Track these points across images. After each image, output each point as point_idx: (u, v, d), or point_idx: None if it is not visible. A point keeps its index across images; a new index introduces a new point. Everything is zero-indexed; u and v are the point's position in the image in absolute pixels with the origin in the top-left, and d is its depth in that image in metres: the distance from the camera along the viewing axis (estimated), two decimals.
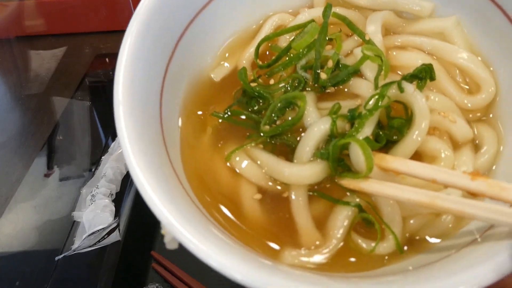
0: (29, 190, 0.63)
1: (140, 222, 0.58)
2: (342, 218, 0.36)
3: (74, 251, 0.50)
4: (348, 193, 0.37)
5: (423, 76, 0.39)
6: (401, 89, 0.37)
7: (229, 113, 0.42)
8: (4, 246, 0.55)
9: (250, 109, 0.41)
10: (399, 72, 0.43)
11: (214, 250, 0.27)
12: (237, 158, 0.39)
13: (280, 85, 0.42)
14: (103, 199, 0.55)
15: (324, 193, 0.38)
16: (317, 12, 0.45)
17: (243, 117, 0.41)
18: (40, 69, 0.93)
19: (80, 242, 0.51)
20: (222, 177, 0.39)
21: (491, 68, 0.42)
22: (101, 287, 0.48)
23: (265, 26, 0.47)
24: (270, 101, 0.40)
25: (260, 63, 0.43)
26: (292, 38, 0.44)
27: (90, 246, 0.51)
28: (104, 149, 0.66)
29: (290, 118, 0.39)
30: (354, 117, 0.36)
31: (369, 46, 0.40)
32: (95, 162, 0.64)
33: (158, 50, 0.38)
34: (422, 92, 0.38)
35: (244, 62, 0.46)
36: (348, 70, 0.41)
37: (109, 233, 0.51)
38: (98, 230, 0.51)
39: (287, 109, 0.40)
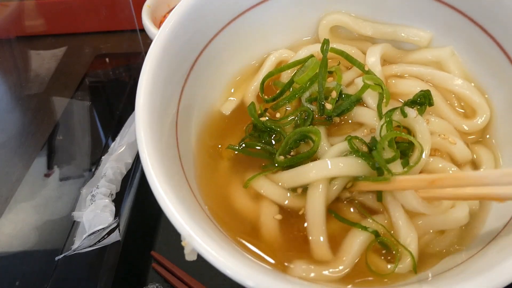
0: (29, 190, 0.63)
1: (140, 222, 0.58)
2: (357, 243, 0.37)
3: (74, 251, 0.50)
4: (367, 217, 0.39)
5: (422, 101, 0.41)
6: (404, 114, 0.39)
7: (243, 145, 0.44)
8: (4, 246, 0.55)
9: (262, 141, 0.44)
10: (400, 100, 0.46)
11: (231, 261, 0.28)
12: (258, 182, 0.41)
13: (289, 119, 0.44)
14: (103, 199, 0.55)
15: (341, 216, 0.39)
16: (316, 48, 0.48)
17: (258, 147, 0.44)
18: (40, 69, 0.93)
19: (80, 242, 0.51)
20: (241, 201, 0.42)
21: (486, 95, 0.45)
22: (101, 287, 0.48)
23: (267, 62, 0.50)
24: (283, 134, 0.43)
25: (266, 97, 0.46)
26: (294, 72, 0.46)
27: (90, 246, 0.51)
28: (104, 149, 0.66)
29: (305, 151, 0.41)
30: (374, 143, 0.38)
31: (369, 75, 0.43)
32: (95, 162, 0.64)
33: (173, 79, 0.41)
34: (422, 116, 0.40)
35: (249, 95, 0.49)
36: (351, 99, 0.43)
37: (109, 233, 0.51)
38: (98, 230, 0.51)
39: (301, 142, 0.42)
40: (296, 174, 0.39)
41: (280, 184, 0.41)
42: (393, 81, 0.46)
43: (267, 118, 0.45)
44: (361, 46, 0.50)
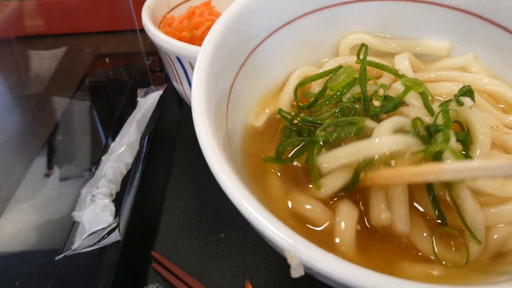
0: (29, 190, 0.63)
1: (140, 222, 0.58)
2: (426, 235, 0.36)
3: (74, 251, 0.50)
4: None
5: (468, 96, 0.40)
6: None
7: (280, 149, 0.41)
8: (4, 246, 0.55)
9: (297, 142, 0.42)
10: (441, 98, 0.45)
11: (354, 271, 0.25)
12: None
13: (329, 113, 0.42)
14: (103, 199, 0.55)
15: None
16: (342, 60, 0.48)
17: (297, 142, 0.42)
18: (40, 69, 0.93)
19: (80, 242, 0.51)
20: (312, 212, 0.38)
21: None
22: (101, 287, 0.48)
23: (293, 76, 0.49)
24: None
25: (301, 104, 0.45)
26: (327, 81, 0.45)
27: (90, 246, 0.51)
28: (104, 149, 0.66)
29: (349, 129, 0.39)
30: (436, 130, 0.37)
31: (408, 78, 0.42)
32: (95, 162, 0.64)
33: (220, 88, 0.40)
34: None
35: (282, 105, 0.47)
36: (395, 100, 0.42)
37: (109, 233, 0.51)
38: (98, 230, 0.51)
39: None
40: (356, 149, 0.36)
41: (325, 165, 0.37)
42: (428, 85, 0.46)
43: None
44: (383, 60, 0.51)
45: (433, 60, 0.50)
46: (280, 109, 0.44)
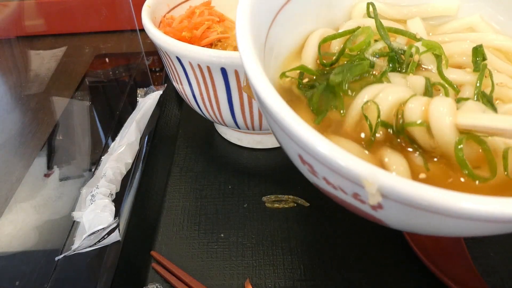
0: (29, 190, 0.63)
1: (140, 222, 0.58)
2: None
3: (74, 251, 0.50)
4: None
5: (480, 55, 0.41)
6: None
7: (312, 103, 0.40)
8: (4, 246, 0.55)
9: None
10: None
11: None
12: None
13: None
14: (103, 199, 0.55)
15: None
16: (360, 22, 0.48)
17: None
18: (40, 69, 0.93)
19: (80, 242, 0.51)
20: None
21: None
22: (101, 287, 0.48)
23: (313, 35, 0.48)
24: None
25: (325, 61, 0.44)
26: (345, 42, 0.44)
27: (90, 246, 0.51)
28: (104, 149, 0.66)
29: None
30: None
31: (427, 40, 0.42)
32: (95, 162, 0.64)
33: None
34: (480, 72, 0.40)
35: (305, 63, 0.46)
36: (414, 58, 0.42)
37: (109, 233, 0.51)
38: (98, 230, 0.51)
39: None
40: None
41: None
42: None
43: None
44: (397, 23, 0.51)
45: (440, 24, 0.51)
46: (282, 73, 0.42)
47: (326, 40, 0.45)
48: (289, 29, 0.47)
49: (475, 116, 0.32)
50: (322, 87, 0.41)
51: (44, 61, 0.95)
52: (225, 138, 0.76)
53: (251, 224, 0.60)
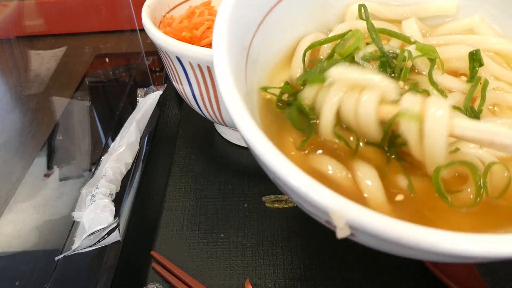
0: (29, 190, 0.63)
1: (140, 222, 0.58)
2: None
3: (74, 251, 0.50)
4: None
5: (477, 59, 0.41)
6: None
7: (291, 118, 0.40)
8: (4, 246, 0.55)
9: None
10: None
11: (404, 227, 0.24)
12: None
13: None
14: (103, 199, 0.55)
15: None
16: (352, 25, 0.46)
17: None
18: (40, 69, 0.93)
19: (80, 242, 0.51)
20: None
21: None
22: (101, 287, 0.48)
23: (302, 41, 0.47)
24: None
25: (308, 70, 0.43)
26: (334, 46, 0.43)
27: (90, 246, 0.51)
28: (104, 149, 0.66)
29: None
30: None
31: (421, 44, 0.41)
32: (95, 162, 0.64)
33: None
34: (475, 77, 0.40)
35: (294, 69, 0.45)
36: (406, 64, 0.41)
37: (109, 233, 0.51)
38: (98, 230, 0.51)
39: None
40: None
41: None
42: (437, 49, 0.45)
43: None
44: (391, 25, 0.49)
45: (439, 24, 0.49)
46: (262, 87, 0.41)
47: (313, 46, 0.44)
48: (277, 35, 0.46)
49: (472, 124, 0.31)
50: (297, 104, 0.39)
51: (44, 61, 0.95)
52: (225, 138, 0.76)
53: (251, 224, 0.60)
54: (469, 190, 0.34)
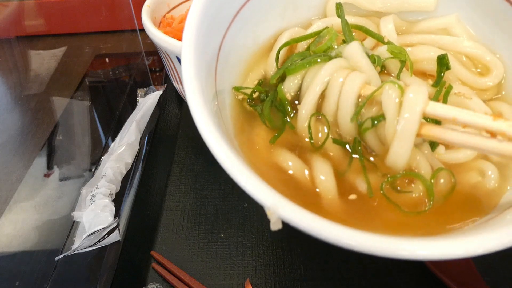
0: (29, 190, 0.63)
1: (140, 222, 0.58)
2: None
3: (74, 251, 0.50)
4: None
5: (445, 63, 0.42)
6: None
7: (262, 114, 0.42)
8: (4, 246, 0.55)
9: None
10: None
11: (328, 226, 0.29)
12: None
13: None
14: (103, 199, 0.55)
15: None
16: (329, 21, 0.47)
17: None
18: (40, 69, 0.93)
19: (80, 242, 0.51)
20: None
21: (497, 55, 0.47)
22: (101, 287, 0.48)
23: (281, 38, 0.48)
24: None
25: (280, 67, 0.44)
26: (309, 43, 0.45)
27: (90, 246, 0.51)
28: (104, 149, 0.66)
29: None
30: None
31: (392, 45, 0.43)
32: (95, 162, 0.64)
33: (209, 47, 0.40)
34: (442, 81, 0.42)
35: (270, 68, 0.47)
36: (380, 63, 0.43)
37: (109, 233, 0.51)
38: (98, 230, 0.51)
39: None
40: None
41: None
42: (409, 49, 0.47)
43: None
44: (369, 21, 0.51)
45: (417, 21, 0.51)
46: (235, 87, 0.44)
47: (288, 44, 0.45)
48: (250, 32, 0.47)
49: (442, 104, 0.35)
50: (270, 97, 0.42)
51: (44, 61, 0.95)
52: None
53: (251, 224, 0.60)
54: (415, 194, 0.37)
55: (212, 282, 0.53)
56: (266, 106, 0.42)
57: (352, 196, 0.37)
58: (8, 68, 0.95)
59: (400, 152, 0.35)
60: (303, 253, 0.56)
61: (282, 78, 0.43)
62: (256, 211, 0.62)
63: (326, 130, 0.40)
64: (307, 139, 0.40)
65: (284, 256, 0.56)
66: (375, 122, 0.36)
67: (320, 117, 0.40)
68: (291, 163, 0.38)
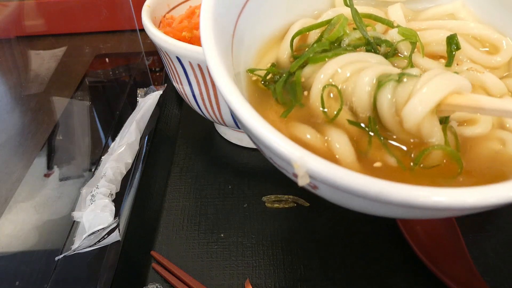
0: (29, 190, 0.63)
1: (140, 222, 0.58)
2: None
3: (74, 251, 0.50)
4: None
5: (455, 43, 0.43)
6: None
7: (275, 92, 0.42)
8: (4, 246, 0.55)
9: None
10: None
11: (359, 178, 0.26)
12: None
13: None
14: (103, 199, 0.55)
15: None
16: (339, 11, 0.48)
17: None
18: (40, 69, 0.93)
19: (80, 242, 0.51)
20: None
21: (507, 37, 0.47)
22: (101, 287, 0.48)
23: (292, 27, 0.49)
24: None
25: (296, 54, 0.45)
26: (321, 31, 0.45)
27: (90, 246, 0.51)
28: (104, 149, 0.66)
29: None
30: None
31: (403, 28, 0.44)
32: (95, 162, 0.64)
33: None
34: (453, 60, 0.42)
35: (282, 55, 0.47)
36: (393, 46, 0.43)
37: (109, 233, 0.51)
38: (98, 230, 0.51)
39: None
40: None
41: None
42: (418, 33, 0.47)
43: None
44: (378, 10, 0.52)
45: (423, 9, 0.52)
46: (249, 69, 0.44)
47: (301, 33, 0.45)
48: (262, 18, 0.47)
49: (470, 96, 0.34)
50: (284, 78, 0.43)
51: (44, 61, 0.95)
52: (225, 138, 0.76)
53: (251, 224, 0.60)
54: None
55: (212, 282, 0.53)
56: (279, 85, 0.42)
57: (378, 164, 0.36)
58: (8, 68, 0.95)
59: (418, 108, 0.34)
60: (303, 253, 0.56)
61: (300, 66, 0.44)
62: (256, 211, 0.62)
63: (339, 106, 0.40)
64: (321, 108, 0.40)
65: (284, 256, 0.56)
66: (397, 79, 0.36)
67: (332, 94, 0.40)
68: (309, 134, 0.38)
